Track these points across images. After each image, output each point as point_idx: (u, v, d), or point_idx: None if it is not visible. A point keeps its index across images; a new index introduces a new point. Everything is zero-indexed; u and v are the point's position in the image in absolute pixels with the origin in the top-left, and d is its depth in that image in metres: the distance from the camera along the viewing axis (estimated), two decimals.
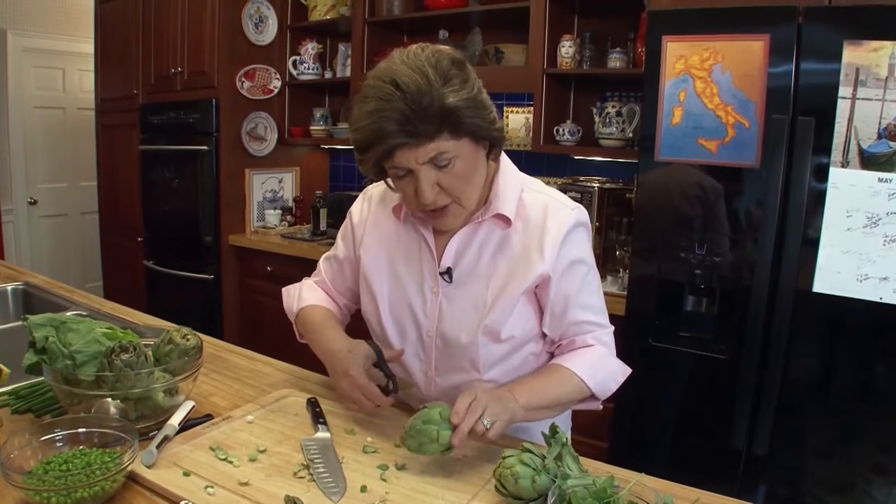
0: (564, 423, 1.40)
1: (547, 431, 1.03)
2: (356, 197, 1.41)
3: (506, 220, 1.19)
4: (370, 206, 1.35)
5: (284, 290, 1.47)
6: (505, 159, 1.24)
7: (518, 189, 1.22)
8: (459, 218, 1.17)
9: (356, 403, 1.19)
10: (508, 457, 0.97)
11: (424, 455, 1.05)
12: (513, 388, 1.13)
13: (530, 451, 0.97)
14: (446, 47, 1.09)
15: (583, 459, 1.13)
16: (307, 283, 1.47)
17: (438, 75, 1.01)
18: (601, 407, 1.27)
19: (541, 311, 1.23)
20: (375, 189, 1.36)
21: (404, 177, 1.09)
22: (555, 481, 0.93)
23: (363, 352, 1.20)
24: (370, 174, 1.14)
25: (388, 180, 1.19)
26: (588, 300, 1.23)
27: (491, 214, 1.19)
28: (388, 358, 1.24)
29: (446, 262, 1.22)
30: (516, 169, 1.26)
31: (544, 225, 1.18)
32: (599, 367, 1.21)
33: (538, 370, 1.25)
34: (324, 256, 1.47)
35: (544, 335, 1.26)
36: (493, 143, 1.13)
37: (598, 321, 1.25)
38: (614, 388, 1.24)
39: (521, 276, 1.18)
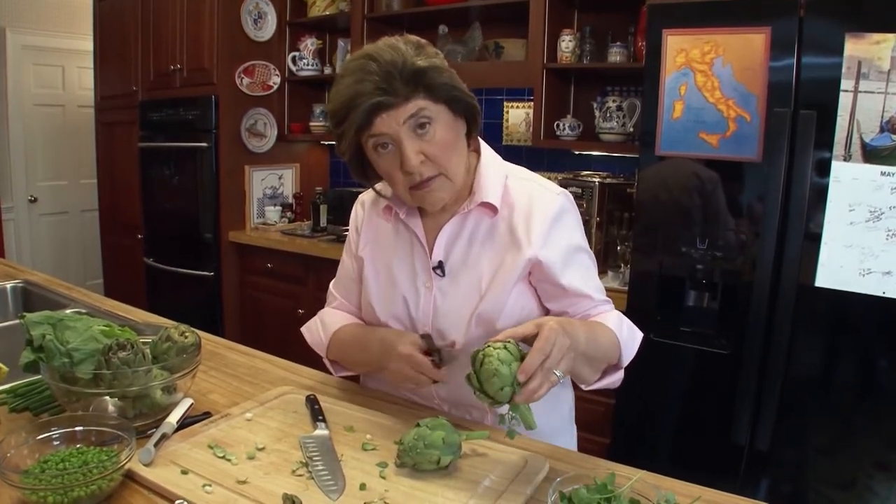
0: (567, 420, 1.39)
1: None
2: (356, 193, 1.41)
3: (492, 209, 1.19)
4: (363, 211, 1.36)
5: (304, 329, 1.41)
6: (486, 149, 1.25)
7: (502, 176, 1.22)
8: (447, 191, 1.15)
9: (410, 381, 1.16)
10: (486, 348, 0.97)
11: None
12: (574, 324, 1.06)
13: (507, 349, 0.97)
14: (414, 37, 1.14)
15: (585, 457, 1.13)
16: (326, 311, 1.41)
17: (409, 46, 1.07)
18: (621, 379, 1.20)
19: (538, 300, 1.23)
20: (367, 196, 1.36)
21: (387, 151, 1.09)
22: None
23: (411, 337, 1.19)
24: (349, 159, 1.14)
25: (377, 186, 1.22)
26: (595, 283, 1.23)
27: (476, 204, 1.19)
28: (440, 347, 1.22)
29: (437, 255, 1.22)
30: (499, 157, 1.26)
31: (530, 211, 1.18)
32: (622, 327, 1.19)
33: (582, 321, 1.17)
34: (332, 283, 1.43)
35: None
36: (468, 116, 1.15)
37: (606, 298, 1.25)
38: (634, 351, 1.20)
39: (510, 264, 1.17)
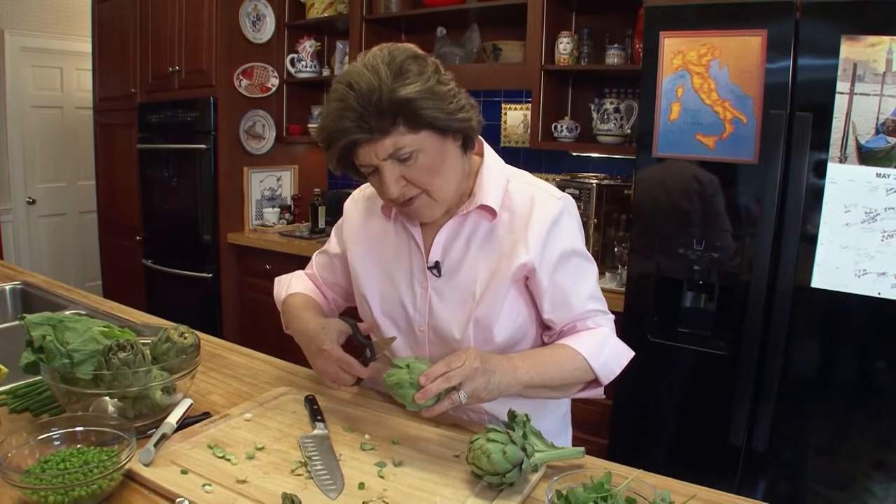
0: (563, 422, 1.40)
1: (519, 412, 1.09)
2: None
3: (491, 212, 1.20)
4: (361, 205, 1.37)
5: (277, 279, 1.50)
6: (489, 152, 1.25)
7: (503, 180, 1.22)
8: (434, 209, 1.16)
9: (334, 381, 1.20)
10: (476, 440, 1.01)
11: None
12: (516, 361, 1.13)
13: (494, 429, 1.02)
14: (409, 45, 1.11)
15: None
16: (298, 273, 1.50)
17: (391, 71, 1.03)
18: (603, 395, 1.26)
19: (533, 304, 1.24)
20: (369, 188, 1.36)
21: (373, 173, 1.11)
22: (524, 451, 0.99)
23: (336, 327, 1.22)
24: (341, 171, 1.15)
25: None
26: (587, 289, 1.23)
27: (475, 206, 1.20)
28: (363, 331, 1.25)
29: (434, 256, 1.23)
30: (502, 161, 1.27)
31: (530, 215, 1.19)
32: (603, 349, 1.20)
33: (542, 347, 1.24)
34: (318, 250, 1.50)
35: (545, 328, 1.26)
36: (461, 133, 1.13)
37: (600, 308, 1.25)
38: (618, 371, 1.23)
39: (506, 269, 1.18)
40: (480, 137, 1.22)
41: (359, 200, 1.39)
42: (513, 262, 1.17)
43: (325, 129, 1.08)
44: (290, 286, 1.44)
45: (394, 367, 1.08)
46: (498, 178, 1.22)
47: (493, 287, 1.18)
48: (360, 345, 1.22)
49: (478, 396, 1.06)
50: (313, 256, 1.50)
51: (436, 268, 1.23)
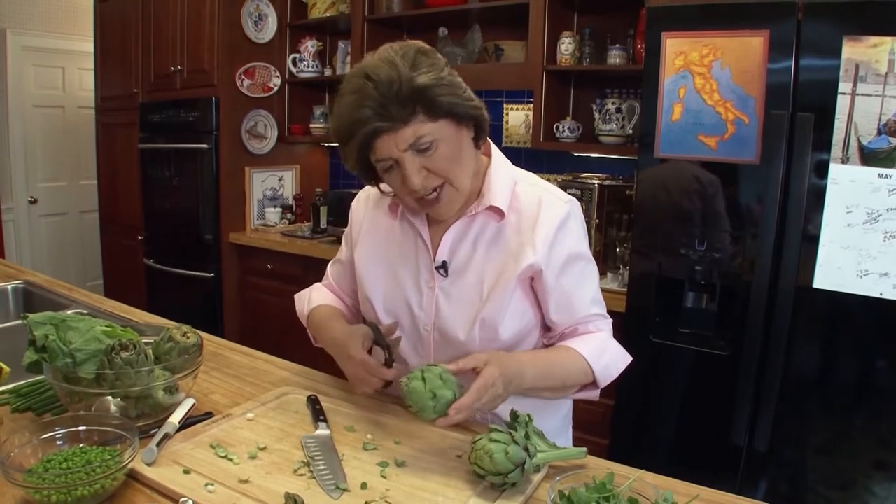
0: (564, 421, 1.40)
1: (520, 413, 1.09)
2: (356, 194, 1.42)
3: (499, 213, 1.20)
4: (367, 205, 1.37)
5: (296, 296, 1.51)
6: (497, 153, 1.26)
7: (511, 182, 1.23)
8: (455, 202, 1.17)
9: (365, 385, 1.18)
10: (478, 440, 1.01)
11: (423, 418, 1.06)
12: (525, 367, 1.13)
13: (497, 429, 1.02)
14: (416, 41, 1.12)
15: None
16: (316, 286, 1.51)
17: (406, 62, 1.04)
18: (598, 396, 1.28)
19: (537, 305, 1.24)
20: (371, 191, 1.37)
21: (391, 169, 1.10)
22: (527, 451, 0.99)
23: (361, 332, 1.21)
24: (356, 171, 1.15)
25: (381, 185, 1.21)
26: (590, 293, 1.24)
27: (484, 207, 1.20)
28: (385, 331, 1.25)
29: (441, 255, 1.23)
30: (509, 162, 1.27)
31: (537, 217, 1.19)
32: (604, 352, 1.22)
33: (547, 349, 1.26)
34: (331, 261, 1.51)
35: (546, 329, 1.27)
36: (474, 123, 1.14)
37: (601, 312, 1.27)
38: (615, 374, 1.25)
39: (512, 270, 1.19)
40: (487, 138, 1.22)
41: (364, 200, 1.39)
42: (520, 264, 1.18)
43: (343, 120, 1.06)
44: (311, 300, 1.44)
45: (409, 376, 1.07)
46: (506, 179, 1.22)
47: (500, 287, 1.19)
48: (382, 348, 1.21)
49: (496, 406, 1.10)
50: (328, 268, 1.51)
51: (443, 268, 1.23)
